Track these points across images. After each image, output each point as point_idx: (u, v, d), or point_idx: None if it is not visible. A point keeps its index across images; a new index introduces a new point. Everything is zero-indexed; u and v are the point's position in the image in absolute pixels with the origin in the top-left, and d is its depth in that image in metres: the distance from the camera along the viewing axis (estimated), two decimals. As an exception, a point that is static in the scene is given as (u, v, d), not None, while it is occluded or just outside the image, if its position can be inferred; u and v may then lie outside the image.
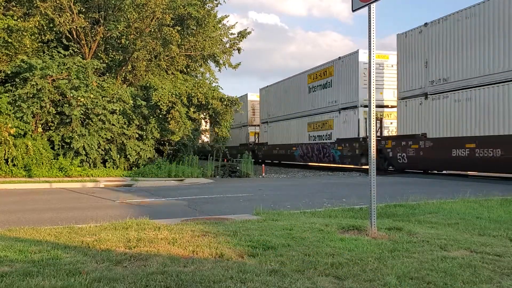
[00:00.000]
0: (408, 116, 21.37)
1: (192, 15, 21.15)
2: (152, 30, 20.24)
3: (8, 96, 17.37)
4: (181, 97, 19.79)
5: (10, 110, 17.19)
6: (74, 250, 4.98)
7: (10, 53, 18.16)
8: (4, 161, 16.87)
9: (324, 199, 11.15)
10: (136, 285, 3.79)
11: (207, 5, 23.61)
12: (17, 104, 17.26)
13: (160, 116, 20.06)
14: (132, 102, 19.16)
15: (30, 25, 17.55)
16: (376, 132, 24.92)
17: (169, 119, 19.98)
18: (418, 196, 10.18)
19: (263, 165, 25.66)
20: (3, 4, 18.23)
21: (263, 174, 23.01)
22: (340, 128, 26.02)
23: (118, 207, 10.10)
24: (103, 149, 18.77)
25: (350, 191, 13.39)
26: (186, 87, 20.53)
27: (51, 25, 19.28)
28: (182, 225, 6.58)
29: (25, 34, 17.63)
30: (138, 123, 19.67)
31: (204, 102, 20.62)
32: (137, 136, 19.62)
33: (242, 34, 25.70)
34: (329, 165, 28.89)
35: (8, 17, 17.46)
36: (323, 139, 28.02)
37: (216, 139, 23.83)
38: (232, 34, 25.95)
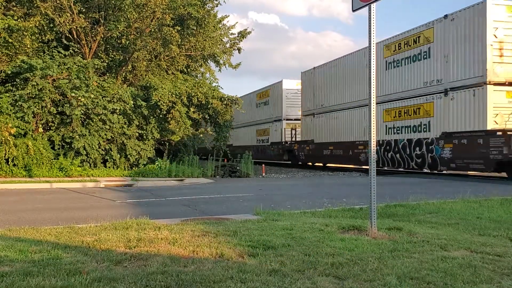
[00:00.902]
0: (305, 128, 31.00)
1: (192, 15, 21.15)
2: (152, 30, 20.25)
3: (9, 96, 17.38)
4: (181, 97, 19.80)
5: (10, 110, 17.20)
6: (75, 250, 4.98)
7: (11, 53, 18.16)
8: (5, 161, 16.87)
9: (324, 199, 11.15)
10: (137, 285, 3.79)
11: (207, 5, 23.61)
12: (17, 104, 17.27)
13: (160, 116, 20.06)
14: (132, 102, 19.17)
15: (31, 25, 17.55)
16: (292, 137, 32.04)
17: (169, 119, 19.99)
18: (418, 196, 10.18)
19: (263, 165, 25.66)
20: (3, 4, 18.23)
21: (263, 174, 23.01)
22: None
23: (119, 207, 10.11)
24: (103, 149, 18.77)
25: (350, 191, 13.39)
26: (186, 87, 20.53)
27: (51, 25, 19.29)
28: (182, 225, 6.59)
29: (26, 34, 17.63)
30: (138, 123, 19.67)
31: (204, 102, 20.63)
32: (137, 135, 19.62)
33: (242, 34, 25.71)
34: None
35: (9, 17, 17.46)
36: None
37: (216, 139, 23.83)
38: (232, 34, 25.99)
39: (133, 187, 15.86)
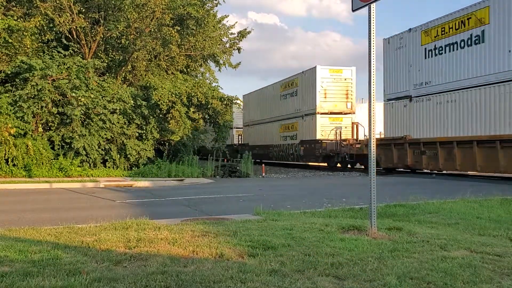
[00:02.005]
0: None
1: (192, 15, 21.14)
2: (152, 30, 20.24)
3: (8, 96, 17.37)
4: (181, 96, 19.79)
5: (10, 110, 17.18)
6: (74, 250, 4.98)
7: (10, 53, 18.15)
8: (4, 161, 16.86)
9: (324, 199, 11.15)
10: (136, 285, 3.79)
11: (207, 5, 23.61)
12: (17, 104, 17.26)
13: (160, 115, 20.04)
14: (132, 102, 19.16)
15: (31, 25, 17.53)
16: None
17: (169, 118, 19.98)
18: (418, 196, 10.17)
19: (263, 165, 25.65)
20: (3, 4, 18.22)
21: (263, 174, 23.01)
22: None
23: (118, 207, 10.10)
24: (103, 149, 18.76)
25: (350, 191, 13.39)
26: (186, 87, 20.52)
27: (51, 25, 19.27)
28: (182, 225, 6.59)
29: (26, 34, 17.60)
30: (138, 123, 19.67)
31: (204, 102, 20.62)
32: (137, 135, 19.62)
33: (242, 34, 25.69)
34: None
35: (9, 17, 17.45)
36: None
37: (215, 139, 23.83)
38: (232, 34, 25.97)
39: (133, 187, 15.85)
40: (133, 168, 19.53)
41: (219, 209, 9.45)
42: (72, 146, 17.93)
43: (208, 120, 23.20)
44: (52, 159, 17.85)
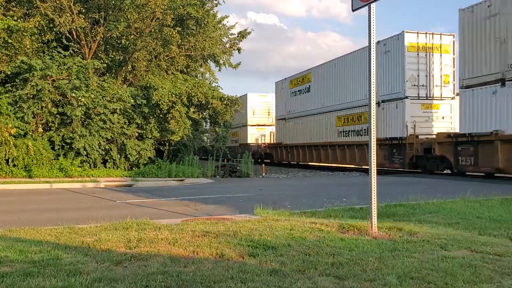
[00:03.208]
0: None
1: (192, 15, 21.14)
2: (152, 30, 20.24)
3: (8, 97, 17.36)
4: (181, 96, 19.79)
5: (10, 110, 17.18)
6: (75, 251, 4.98)
7: (10, 54, 18.14)
8: (5, 161, 16.86)
9: (324, 199, 11.14)
10: (137, 285, 3.79)
11: (207, 5, 23.60)
12: (17, 104, 17.26)
13: (160, 115, 20.04)
14: (132, 101, 19.16)
15: (30, 26, 17.53)
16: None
17: (169, 118, 19.98)
18: (419, 196, 10.16)
19: (263, 165, 25.66)
20: (3, 4, 18.22)
21: (263, 174, 23.01)
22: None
23: (119, 207, 10.10)
24: (103, 149, 18.76)
25: (350, 191, 13.39)
26: (186, 87, 20.53)
27: (51, 25, 19.27)
28: (182, 225, 6.59)
29: (25, 34, 17.60)
30: (138, 123, 19.67)
31: (204, 102, 20.62)
32: (137, 135, 19.61)
33: (242, 34, 25.69)
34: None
35: (8, 17, 17.44)
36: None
37: (216, 139, 23.84)
38: (232, 34, 25.96)
39: (133, 187, 15.85)
40: (134, 168, 19.53)
41: (219, 209, 9.45)
42: (72, 146, 17.93)
43: (209, 120, 23.19)
44: (52, 160, 17.85)
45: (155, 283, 3.82)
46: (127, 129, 19.18)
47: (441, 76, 21.49)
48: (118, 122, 18.87)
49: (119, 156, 19.25)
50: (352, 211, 8.46)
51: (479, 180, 17.04)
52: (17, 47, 17.93)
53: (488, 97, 17.09)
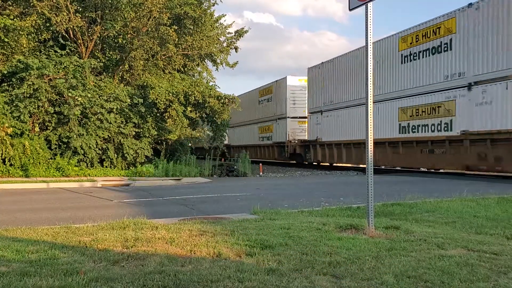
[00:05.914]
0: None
1: (189, 14, 21.11)
2: (149, 30, 20.20)
3: (5, 96, 17.31)
4: (178, 95, 19.77)
5: (7, 109, 17.13)
6: (72, 250, 4.97)
7: (7, 53, 18.08)
8: (1, 161, 16.81)
9: (321, 198, 11.16)
10: (134, 285, 3.79)
11: (204, 4, 23.55)
12: (14, 104, 17.21)
13: (157, 114, 20.00)
14: (129, 100, 19.12)
15: (27, 25, 17.47)
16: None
17: (166, 117, 19.95)
18: (416, 195, 10.19)
19: (260, 164, 25.66)
20: (-1, 3, 18.18)
21: (261, 173, 23.01)
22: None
23: (116, 207, 10.09)
24: (100, 148, 18.72)
25: (348, 190, 13.40)
26: (183, 86, 20.50)
27: (48, 24, 19.21)
28: (179, 224, 6.58)
29: (22, 33, 17.55)
30: (135, 122, 19.63)
31: (201, 101, 20.60)
32: (134, 134, 19.58)
33: (239, 33, 25.66)
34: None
35: (5, 16, 17.38)
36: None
37: (213, 138, 23.81)
38: (229, 33, 25.93)
39: (130, 186, 15.83)
40: (131, 168, 19.49)
41: (216, 209, 9.45)
42: (69, 145, 17.89)
43: (206, 119, 23.17)
44: (49, 159, 17.80)
45: (152, 283, 3.82)
46: (124, 128, 19.14)
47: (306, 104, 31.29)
48: (115, 121, 18.83)
49: (116, 155, 19.21)
50: (349, 210, 8.47)
51: (473, 179, 17.13)
52: (13, 46, 17.87)
53: (315, 120, 29.19)
